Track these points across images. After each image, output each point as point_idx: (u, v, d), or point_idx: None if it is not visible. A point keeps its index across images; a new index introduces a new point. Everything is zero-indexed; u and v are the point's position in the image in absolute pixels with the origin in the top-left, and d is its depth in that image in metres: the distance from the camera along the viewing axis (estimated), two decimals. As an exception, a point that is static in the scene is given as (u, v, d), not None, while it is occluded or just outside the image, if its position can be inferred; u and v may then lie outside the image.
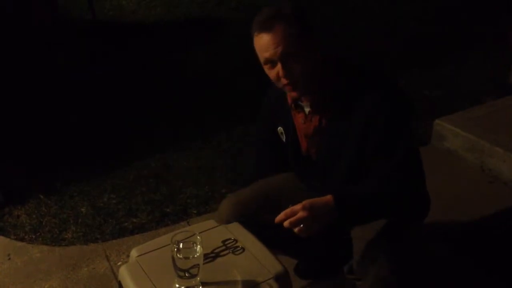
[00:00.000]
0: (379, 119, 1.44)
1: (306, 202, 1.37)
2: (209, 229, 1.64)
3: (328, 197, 1.40)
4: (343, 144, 1.52)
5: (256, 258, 1.51)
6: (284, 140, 1.70)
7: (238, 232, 1.62)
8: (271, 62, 1.46)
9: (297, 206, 1.36)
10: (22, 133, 3.35)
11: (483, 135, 2.74)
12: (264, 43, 1.44)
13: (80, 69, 4.25)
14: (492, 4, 4.94)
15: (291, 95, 1.54)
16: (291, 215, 1.36)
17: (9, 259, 2.30)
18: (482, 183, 2.62)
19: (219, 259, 1.50)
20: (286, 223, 1.36)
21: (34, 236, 2.45)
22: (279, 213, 1.43)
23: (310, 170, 1.66)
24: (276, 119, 1.70)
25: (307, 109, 1.57)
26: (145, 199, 2.67)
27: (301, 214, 1.35)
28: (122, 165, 2.97)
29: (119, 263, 2.21)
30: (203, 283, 1.41)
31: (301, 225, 1.36)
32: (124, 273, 1.51)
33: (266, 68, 1.49)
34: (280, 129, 1.69)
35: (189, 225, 2.41)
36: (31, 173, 2.93)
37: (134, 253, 1.57)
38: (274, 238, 1.68)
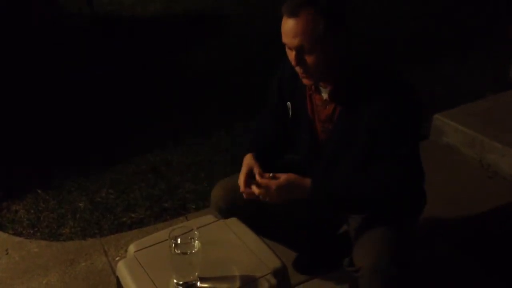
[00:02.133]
0: (390, 119, 1.44)
1: (283, 181, 1.47)
2: (207, 224, 1.64)
3: (307, 182, 1.47)
4: (351, 139, 1.52)
5: (254, 253, 1.50)
6: (290, 115, 1.67)
7: (236, 227, 1.61)
8: (289, 48, 1.45)
9: (272, 184, 1.47)
10: (21, 129, 3.34)
11: (482, 130, 2.73)
12: (285, 29, 1.41)
13: (78, 65, 4.23)
14: (492, 1, 4.93)
15: (304, 82, 1.52)
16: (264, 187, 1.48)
17: (7, 254, 2.29)
18: (481, 178, 2.62)
19: (217, 255, 1.50)
20: (255, 190, 1.49)
21: (32, 231, 2.44)
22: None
23: (318, 155, 1.64)
24: (286, 93, 1.67)
25: (324, 95, 1.55)
26: (143, 194, 2.66)
27: (271, 192, 1.48)
28: (121, 160, 2.96)
29: (117, 258, 2.21)
30: (201, 278, 1.41)
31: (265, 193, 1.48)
32: (122, 268, 1.51)
33: (286, 47, 1.48)
34: (288, 104, 1.67)
35: (188, 220, 2.40)
36: (30, 168, 2.92)
37: (132, 248, 1.57)
38: (271, 232, 1.68)
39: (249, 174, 1.57)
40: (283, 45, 1.47)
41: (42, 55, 4.24)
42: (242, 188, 1.57)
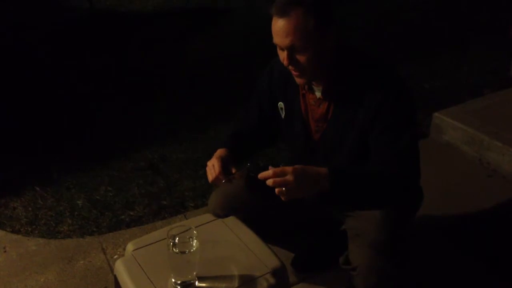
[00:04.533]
0: (386, 112, 1.44)
1: (298, 167, 1.34)
2: (205, 223, 1.63)
3: (323, 169, 1.37)
4: (346, 136, 1.52)
5: (253, 252, 1.50)
6: (282, 116, 1.67)
7: (235, 226, 1.61)
8: (280, 47, 1.45)
9: (288, 168, 1.33)
10: (19, 126, 3.33)
11: (482, 128, 2.73)
12: (276, 29, 1.41)
13: (77, 59, 4.22)
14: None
15: (296, 81, 1.52)
16: (279, 175, 1.33)
17: (5, 251, 2.28)
18: (481, 176, 2.61)
19: (215, 254, 1.49)
20: (269, 182, 1.34)
21: (30, 229, 2.43)
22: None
23: (312, 154, 1.63)
24: (277, 93, 1.66)
25: (318, 94, 1.55)
26: (141, 191, 2.65)
27: (288, 177, 1.33)
28: (119, 157, 2.95)
29: (115, 256, 2.20)
30: (199, 278, 1.40)
31: (283, 188, 1.34)
32: (120, 267, 1.50)
33: (277, 48, 1.47)
34: (280, 104, 1.66)
35: (186, 218, 2.40)
36: (28, 165, 2.91)
37: (130, 247, 1.56)
38: (269, 230, 1.67)
39: (223, 166, 1.54)
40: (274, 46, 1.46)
41: (40, 51, 4.22)
42: (215, 175, 1.53)
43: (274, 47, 1.48)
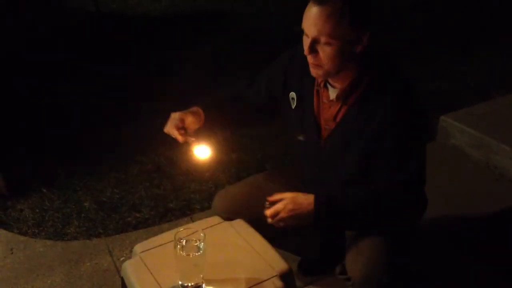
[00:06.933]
0: (398, 130, 1.41)
1: (288, 206, 1.45)
2: (213, 225, 1.63)
3: (310, 202, 1.43)
4: (351, 143, 1.49)
5: (260, 255, 1.50)
6: (292, 107, 1.61)
7: (242, 229, 1.61)
8: (306, 34, 1.40)
9: (280, 208, 1.45)
10: (26, 127, 3.34)
11: (489, 131, 2.72)
12: (307, 14, 1.37)
13: (82, 62, 4.23)
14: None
15: (311, 72, 1.46)
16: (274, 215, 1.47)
17: (12, 253, 2.29)
18: (488, 180, 2.60)
19: (222, 257, 1.49)
20: (268, 220, 1.48)
21: (37, 231, 2.44)
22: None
23: (319, 150, 1.60)
24: (292, 82, 1.61)
25: (332, 94, 1.51)
26: (148, 193, 2.66)
27: (282, 215, 1.45)
28: (125, 159, 2.96)
29: (122, 258, 2.21)
30: (206, 281, 1.40)
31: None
32: (127, 269, 1.51)
33: (303, 33, 1.43)
34: (292, 94, 1.60)
35: (193, 221, 2.40)
36: (35, 167, 2.92)
37: (137, 249, 1.57)
38: (275, 233, 1.67)
39: (183, 123, 1.58)
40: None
41: (45, 53, 4.24)
42: (172, 128, 1.59)
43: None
